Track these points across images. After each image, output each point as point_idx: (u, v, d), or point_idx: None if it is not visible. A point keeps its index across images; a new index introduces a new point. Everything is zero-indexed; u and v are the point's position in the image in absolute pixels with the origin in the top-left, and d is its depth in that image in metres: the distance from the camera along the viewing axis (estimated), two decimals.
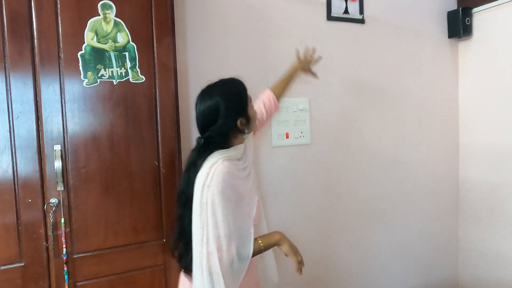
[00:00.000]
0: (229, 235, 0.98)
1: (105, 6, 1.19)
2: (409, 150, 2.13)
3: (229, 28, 1.68)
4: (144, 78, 1.25)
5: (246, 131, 1.13)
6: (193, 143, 1.16)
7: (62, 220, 1.15)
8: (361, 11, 2.00)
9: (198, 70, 1.62)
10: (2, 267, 1.11)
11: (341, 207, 1.96)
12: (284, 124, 1.79)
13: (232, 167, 1.04)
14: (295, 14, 1.82)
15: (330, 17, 1.92)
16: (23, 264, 1.12)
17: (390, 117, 2.07)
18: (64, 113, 1.15)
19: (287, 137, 1.80)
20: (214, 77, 1.62)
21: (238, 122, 1.10)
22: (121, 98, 1.22)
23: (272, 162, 1.77)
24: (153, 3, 1.25)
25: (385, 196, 2.07)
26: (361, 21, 2.00)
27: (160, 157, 1.29)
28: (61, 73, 1.14)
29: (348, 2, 1.96)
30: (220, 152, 1.07)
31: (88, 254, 1.19)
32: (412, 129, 2.13)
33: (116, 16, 1.21)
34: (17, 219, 1.11)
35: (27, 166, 1.12)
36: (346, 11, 1.96)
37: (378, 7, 2.02)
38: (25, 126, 1.11)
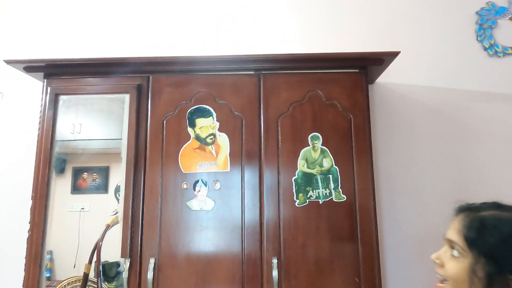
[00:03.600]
0: None
1: (314, 138, 1.42)
2: None
3: (417, 136, 1.70)
4: (345, 197, 1.37)
5: None
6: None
7: None
8: None
9: (390, 182, 1.65)
10: None
11: None
12: None
13: None
14: (496, 114, 1.69)
15: None
16: None
17: None
18: (280, 231, 1.36)
19: None
20: (406, 188, 1.65)
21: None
22: (326, 216, 1.36)
23: None
24: (352, 131, 1.41)
25: None
26: None
27: (361, 274, 1.33)
28: (279, 196, 1.38)
29: None
30: None
31: None
32: None
33: (322, 144, 1.41)
34: None
35: (252, 272, 1.34)
36: None
37: None
38: (252, 238, 1.37)
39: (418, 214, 1.64)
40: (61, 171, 2.04)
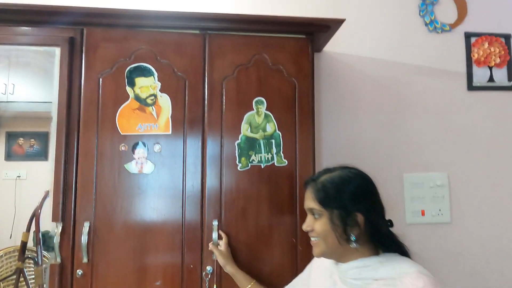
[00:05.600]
0: None
1: (258, 102, 1.41)
2: None
3: (359, 106, 1.76)
4: (286, 162, 1.40)
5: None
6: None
7: (214, 286, 1.32)
8: (510, 77, 1.83)
9: (331, 150, 1.71)
10: None
11: None
12: (419, 201, 1.71)
13: None
14: (430, 88, 1.79)
15: (471, 87, 1.82)
16: None
17: None
18: (222, 192, 1.36)
19: (423, 214, 1.71)
20: (346, 156, 1.72)
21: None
22: (267, 180, 1.38)
23: (406, 241, 1.69)
24: (296, 97, 1.42)
25: None
26: (510, 88, 1.83)
27: (298, 234, 1.38)
28: (222, 160, 1.37)
29: (493, 70, 1.83)
30: None
31: None
32: None
33: (266, 109, 1.41)
34: (182, 281, 1.33)
35: (192, 237, 1.34)
36: (491, 79, 1.83)
37: None
38: (193, 202, 1.35)
39: None
40: None
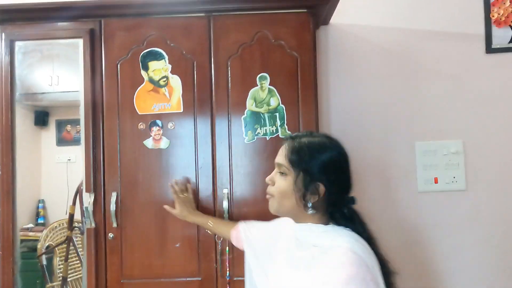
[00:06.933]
0: None
1: (262, 78, 1.48)
2: None
3: (371, 77, 1.76)
4: (291, 133, 1.47)
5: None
6: None
7: (227, 249, 1.46)
8: None
9: (341, 119, 1.75)
10: (188, 279, 1.48)
11: (507, 264, 1.69)
12: (432, 169, 1.71)
13: None
14: (445, 52, 1.75)
15: (490, 49, 1.75)
16: (200, 279, 1.47)
17: None
18: (230, 164, 1.48)
19: (436, 182, 1.71)
20: (356, 125, 1.75)
21: None
22: (272, 151, 1.47)
23: (417, 208, 1.71)
24: (299, 70, 1.48)
25: None
26: None
27: None
28: (229, 133, 1.48)
29: None
30: None
31: (243, 278, 1.46)
32: None
33: (270, 84, 1.48)
34: (198, 244, 1.48)
35: (205, 204, 1.48)
36: None
37: None
38: (205, 173, 1.48)
39: (366, 147, 1.75)
40: (45, 123, 2.10)
